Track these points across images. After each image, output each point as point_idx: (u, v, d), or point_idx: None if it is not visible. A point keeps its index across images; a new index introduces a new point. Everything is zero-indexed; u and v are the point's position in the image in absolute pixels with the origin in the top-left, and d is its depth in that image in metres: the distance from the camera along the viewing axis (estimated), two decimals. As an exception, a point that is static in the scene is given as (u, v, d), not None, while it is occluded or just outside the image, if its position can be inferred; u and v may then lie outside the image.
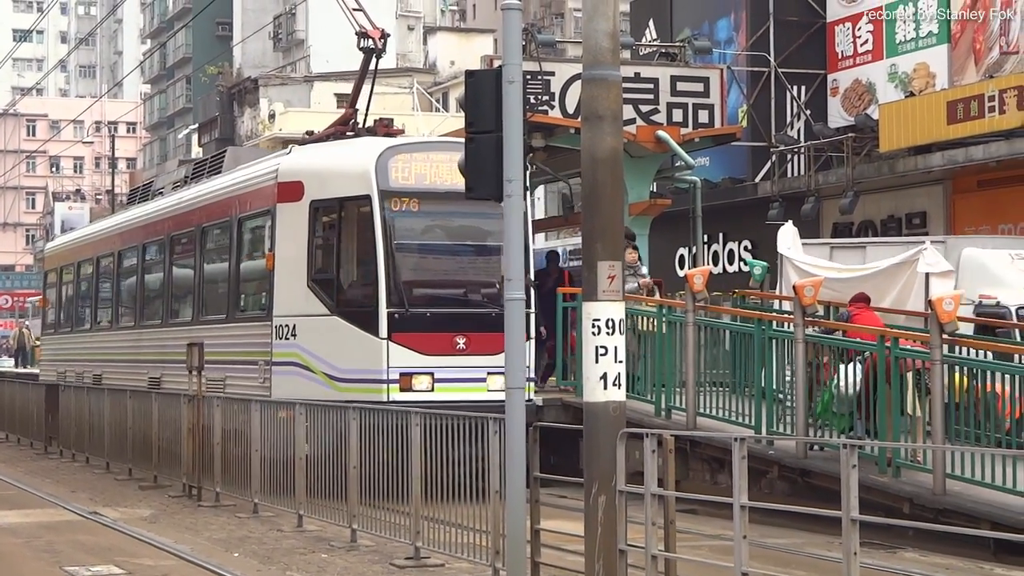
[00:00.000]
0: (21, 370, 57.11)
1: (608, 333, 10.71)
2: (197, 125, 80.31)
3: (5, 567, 13.69)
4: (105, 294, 29.21)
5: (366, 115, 20.94)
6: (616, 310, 10.81)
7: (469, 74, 12.18)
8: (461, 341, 18.02)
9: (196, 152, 72.42)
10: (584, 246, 11.05)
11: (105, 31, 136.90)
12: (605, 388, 10.70)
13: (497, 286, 18.01)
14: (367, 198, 18.20)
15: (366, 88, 21.22)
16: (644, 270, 21.65)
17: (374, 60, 20.99)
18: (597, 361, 10.69)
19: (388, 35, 21.51)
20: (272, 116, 63.06)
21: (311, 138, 21.70)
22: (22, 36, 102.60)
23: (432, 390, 17.94)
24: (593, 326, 10.74)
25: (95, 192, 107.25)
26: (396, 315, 17.90)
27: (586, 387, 10.85)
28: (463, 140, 21.26)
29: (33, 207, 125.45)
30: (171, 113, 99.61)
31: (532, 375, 18.64)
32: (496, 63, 12.92)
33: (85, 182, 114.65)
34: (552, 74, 27.04)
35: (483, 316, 18.01)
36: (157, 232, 25.32)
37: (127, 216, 28.72)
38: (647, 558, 10.14)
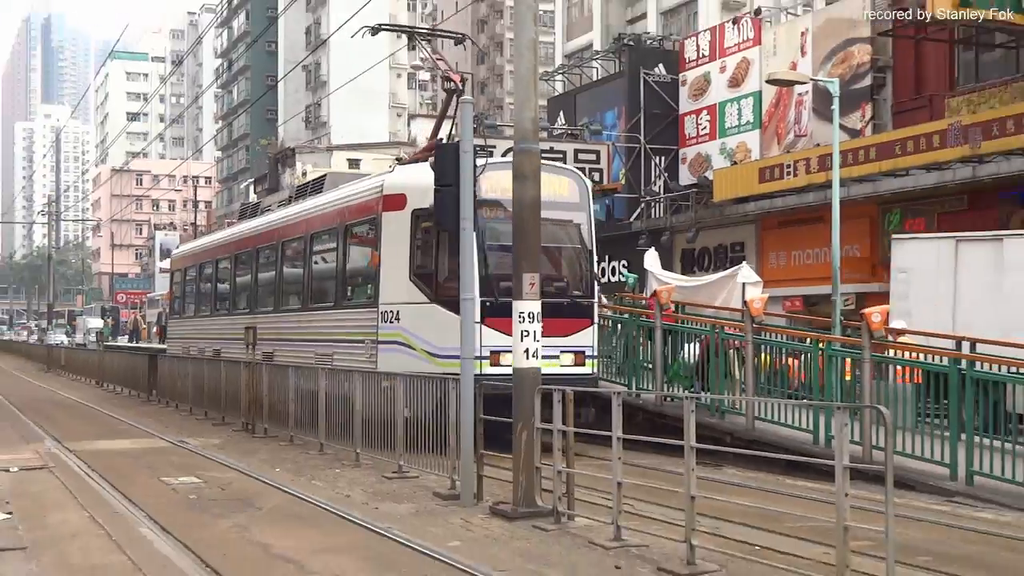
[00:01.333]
0: (133, 344, 56.60)
1: (529, 322, 10.73)
2: (253, 180, 79.81)
3: (122, 477, 13.59)
4: (223, 288, 26.65)
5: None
6: (535, 306, 10.82)
7: (438, 146, 12.19)
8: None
9: (253, 198, 71.84)
10: (514, 263, 11.06)
11: (190, 114, 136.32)
12: (527, 359, 10.69)
13: (566, 281, 16.62)
14: None
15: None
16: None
17: (455, 98, 18.25)
18: (522, 340, 10.70)
19: (467, 78, 18.13)
20: (304, 174, 62.72)
21: (404, 161, 19.34)
22: (132, 117, 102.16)
23: None
24: (520, 317, 10.74)
25: (183, 224, 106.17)
26: (487, 303, 15.46)
27: (515, 357, 10.81)
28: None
29: (140, 233, 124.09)
30: (235, 171, 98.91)
31: (596, 354, 16.47)
32: (456, 139, 12.89)
33: (176, 217, 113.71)
34: (494, 147, 26.74)
35: (557, 305, 15.45)
36: (269, 239, 22.85)
37: (239, 229, 26.06)
38: (554, 472, 10.18)
